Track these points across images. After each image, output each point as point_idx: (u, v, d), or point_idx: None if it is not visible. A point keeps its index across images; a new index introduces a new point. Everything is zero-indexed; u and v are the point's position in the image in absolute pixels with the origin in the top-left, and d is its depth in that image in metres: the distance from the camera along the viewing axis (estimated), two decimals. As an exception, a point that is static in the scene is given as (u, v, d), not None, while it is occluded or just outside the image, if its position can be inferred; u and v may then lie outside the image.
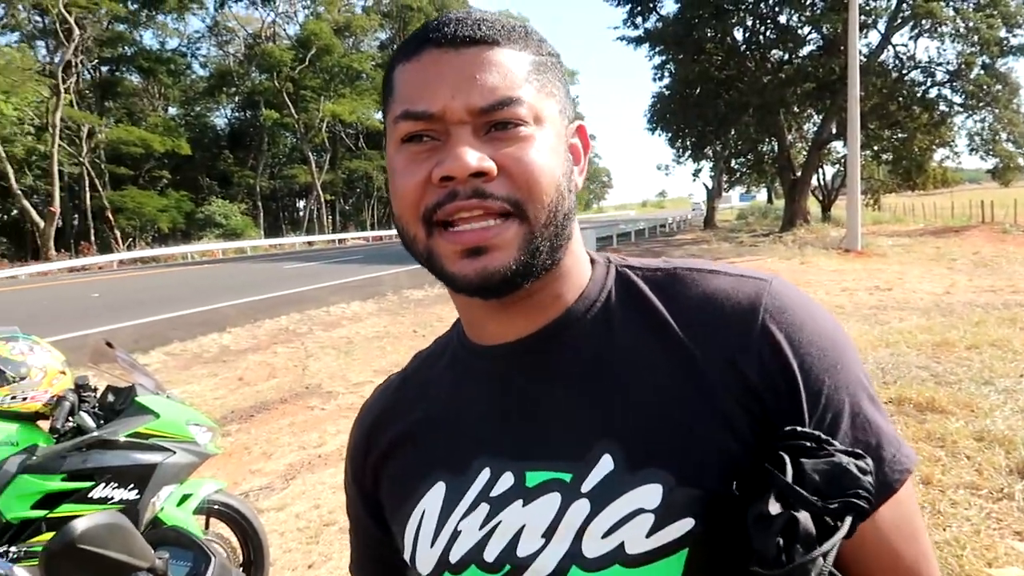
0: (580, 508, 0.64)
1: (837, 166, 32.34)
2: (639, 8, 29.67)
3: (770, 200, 56.97)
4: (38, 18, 38.75)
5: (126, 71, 47.13)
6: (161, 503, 2.51)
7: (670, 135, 32.94)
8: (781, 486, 0.57)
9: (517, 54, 0.65)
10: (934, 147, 27.64)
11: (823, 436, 0.60)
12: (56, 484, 2.28)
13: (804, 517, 0.56)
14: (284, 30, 52.95)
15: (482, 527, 0.68)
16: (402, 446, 0.78)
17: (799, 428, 0.61)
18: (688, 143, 33.17)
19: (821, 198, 33.35)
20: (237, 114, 54.66)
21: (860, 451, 0.60)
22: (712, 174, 40.53)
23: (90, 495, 2.32)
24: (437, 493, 0.72)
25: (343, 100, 48.75)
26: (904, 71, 25.79)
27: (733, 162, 37.47)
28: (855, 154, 18.39)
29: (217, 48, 52.83)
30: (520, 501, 0.67)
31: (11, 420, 2.35)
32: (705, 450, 0.62)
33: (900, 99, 25.59)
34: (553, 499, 0.65)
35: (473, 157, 0.61)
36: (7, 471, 2.23)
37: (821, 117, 28.38)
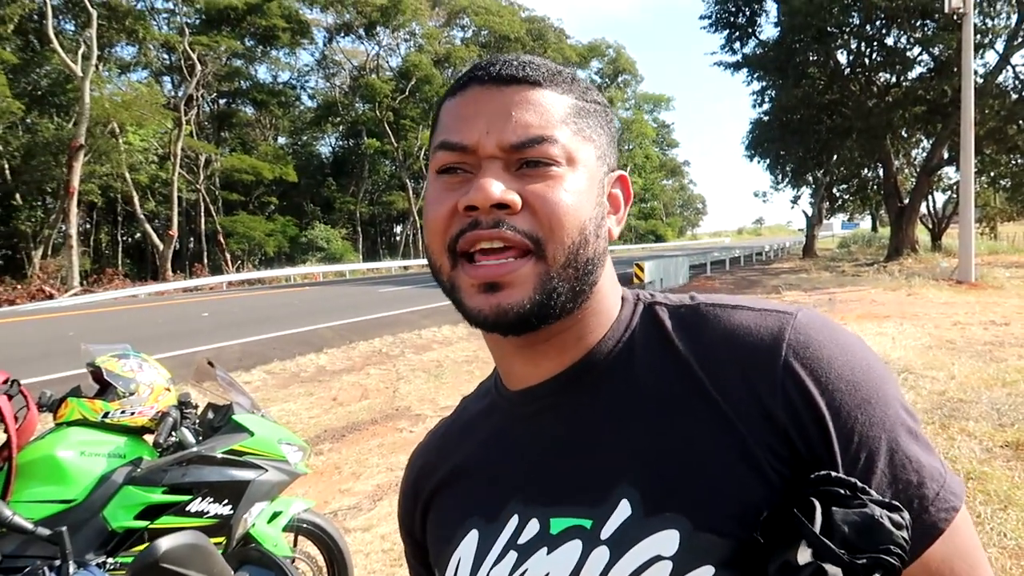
0: (600, 556, 0.63)
1: (949, 192, 30.73)
2: (737, 33, 29.29)
3: (874, 228, 54.57)
4: (165, 56, 41.69)
5: (241, 103, 49.91)
6: (252, 519, 2.61)
7: (769, 161, 32.18)
8: (809, 536, 0.55)
9: (558, 96, 0.67)
10: (1058, 173, 25.88)
11: (858, 484, 0.57)
12: (158, 496, 2.41)
13: (833, 571, 0.53)
14: (387, 62, 54.95)
15: (511, 575, 0.68)
16: (442, 493, 0.80)
17: (832, 474, 0.58)
18: (788, 169, 32.33)
19: (930, 226, 31.73)
20: (341, 143, 56.91)
21: (896, 503, 0.57)
22: (812, 201, 39.23)
23: (188, 508, 2.45)
24: (471, 540, 0.73)
25: (441, 128, 49.89)
26: (1025, 93, 24.33)
27: (835, 189, 36.19)
28: (969, 180, 17.42)
29: (324, 80, 55.32)
30: (545, 549, 0.67)
31: (120, 433, 2.51)
32: (725, 494, 0.60)
33: (1020, 122, 24.13)
34: (575, 547, 0.65)
35: (497, 188, 0.62)
36: (114, 481, 2.38)
37: (931, 142, 27.10)
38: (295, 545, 2.93)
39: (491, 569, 0.69)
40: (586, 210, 0.66)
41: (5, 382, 2.42)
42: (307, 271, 34.94)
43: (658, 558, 0.60)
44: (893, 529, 0.55)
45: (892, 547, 0.55)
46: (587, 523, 0.65)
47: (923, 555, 0.59)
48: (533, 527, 0.68)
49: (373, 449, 5.65)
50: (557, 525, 0.67)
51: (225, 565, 1.01)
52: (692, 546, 0.59)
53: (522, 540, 0.69)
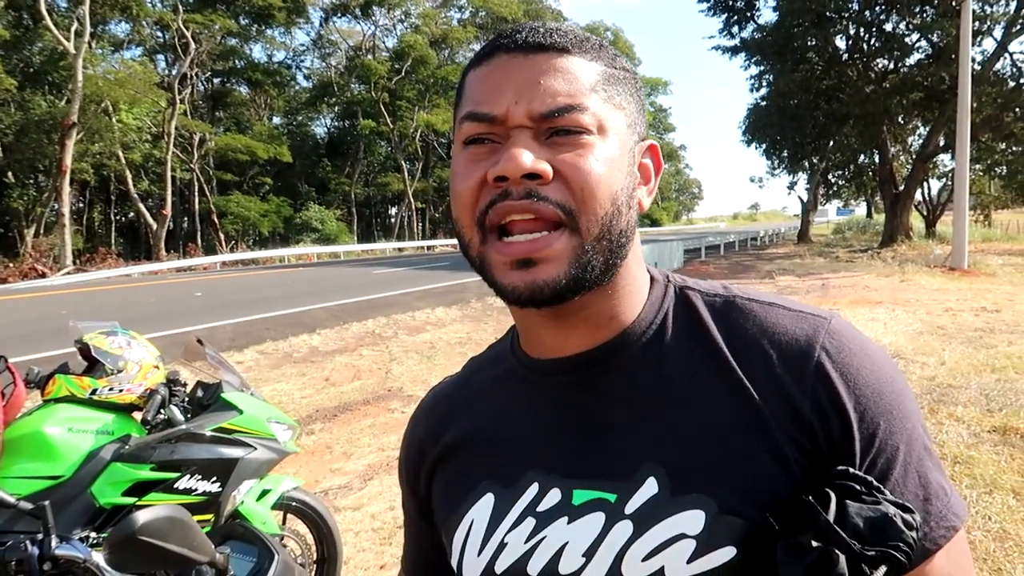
0: (622, 529, 0.64)
1: (944, 180, 30.75)
2: (736, 17, 29.13)
3: (869, 214, 54.63)
4: (159, 34, 41.32)
5: (235, 82, 49.58)
6: (241, 497, 2.62)
7: (765, 146, 32.12)
8: (821, 524, 0.56)
9: (587, 63, 0.65)
10: (1054, 161, 25.90)
11: (875, 483, 0.60)
12: (145, 473, 2.41)
13: (841, 560, 0.56)
14: (383, 42, 54.57)
15: (527, 540, 0.68)
16: (454, 455, 0.79)
17: (851, 470, 0.60)
18: (784, 155, 32.28)
19: (925, 213, 31.79)
20: (336, 123, 56.66)
21: (909, 504, 0.59)
22: (808, 187, 39.23)
23: (176, 485, 2.45)
24: (486, 503, 0.73)
25: (437, 110, 49.78)
26: (1023, 80, 24.27)
27: (831, 175, 36.18)
28: (964, 167, 17.43)
29: (320, 60, 54.99)
30: (565, 518, 0.67)
31: (108, 410, 2.50)
32: (751, 480, 0.62)
33: (1017, 110, 24.10)
34: (597, 518, 0.65)
35: (528, 158, 0.61)
36: (102, 458, 2.38)
37: (928, 129, 27.09)
38: (284, 523, 2.94)
39: (507, 533, 0.70)
40: (618, 179, 0.65)
41: (-8, 358, 2.41)
42: (301, 252, 34.87)
43: (682, 536, 0.62)
44: (904, 528, 0.57)
45: (901, 544, 0.56)
46: (611, 497, 0.66)
47: (920, 568, 0.61)
48: (554, 496, 0.68)
49: (365, 429, 5.67)
50: (580, 496, 0.67)
51: (205, 539, 1.00)
52: (717, 527, 0.61)
53: (541, 508, 0.69)
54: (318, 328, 10.63)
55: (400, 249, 41.93)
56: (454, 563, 0.75)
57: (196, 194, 41.01)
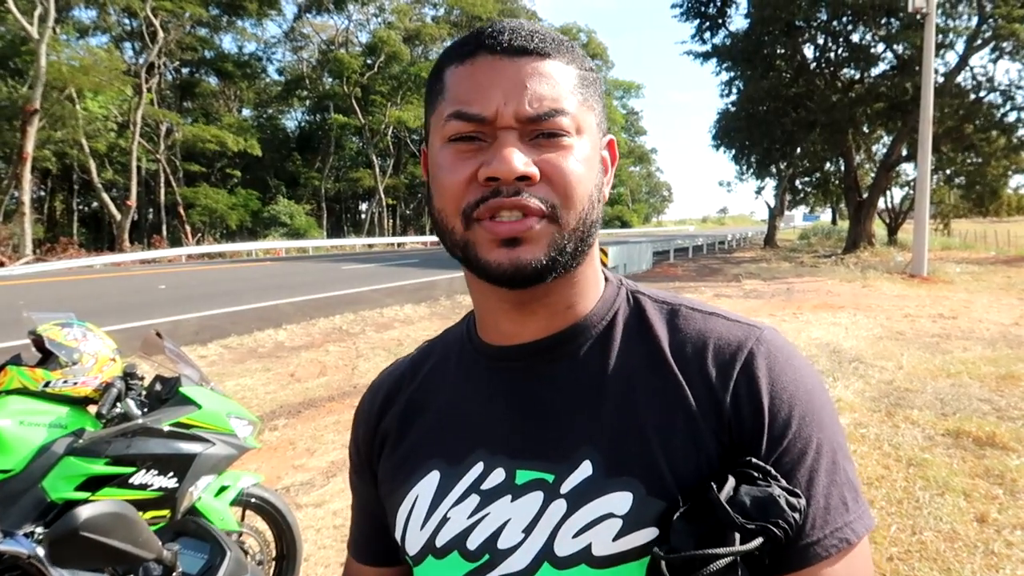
0: (558, 508, 0.69)
1: (906, 189, 31.38)
2: (707, 24, 29.40)
3: (834, 221, 55.55)
4: (126, 20, 40.45)
5: (205, 73, 48.76)
6: (199, 493, 2.58)
7: (734, 152, 32.47)
8: (712, 500, 0.62)
9: (565, 67, 0.69)
10: (1010, 173, 26.57)
11: (771, 470, 0.65)
12: (100, 468, 2.36)
13: (735, 536, 0.62)
14: (357, 37, 54.14)
15: (470, 516, 0.72)
16: (403, 431, 0.82)
17: (753, 459, 0.66)
18: (752, 160, 32.64)
19: (888, 221, 32.41)
20: (307, 117, 56.04)
21: (797, 491, 0.64)
22: (775, 192, 39.75)
23: (131, 480, 2.40)
24: (432, 480, 0.76)
25: (409, 107, 49.47)
26: (982, 93, 24.85)
27: (797, 181, 36.74)
28: (925, 177, 17.81)
29: (292, 53, 54.31)
30: (509, 496, 0.71)
31: (61, 403, 2.45)
32: (675, 468, 0.67)
33: (977, 122, 24.67)
34: (536, 497, 0.70)
35: (520, 161, 0.65)
36: (54, 452, 2.33)
37: (891, 138, 27.61)
38: (243, 519, 2.90)
39: (450, 509, 0.73)
40: (592, 177, 0.70)
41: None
42: (269, 246, 34.48)
43: (610, 515, 0.66)
44: (786, 508, 0.62)
45: (781, 522, 0.62)
46: (550, 477, 0.70)
47: (804, 572, 0.65)
48: (499, 475, 0.73)
49: (329, 426, 5.62)
50: (522, 476, 0.71)
51: (152, 536, 0.99)
52: (642, 508, 0.66)
53: (486, 486, 0.73)
54: (284, 323, 10.52)
55: (370, 245, 41.66)
56: (398, 536, 0.78)
57: (162, 185, 40.29)
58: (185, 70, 47.61)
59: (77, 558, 0.91)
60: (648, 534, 0.66)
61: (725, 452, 0.67)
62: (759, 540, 0.61)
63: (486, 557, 0.71)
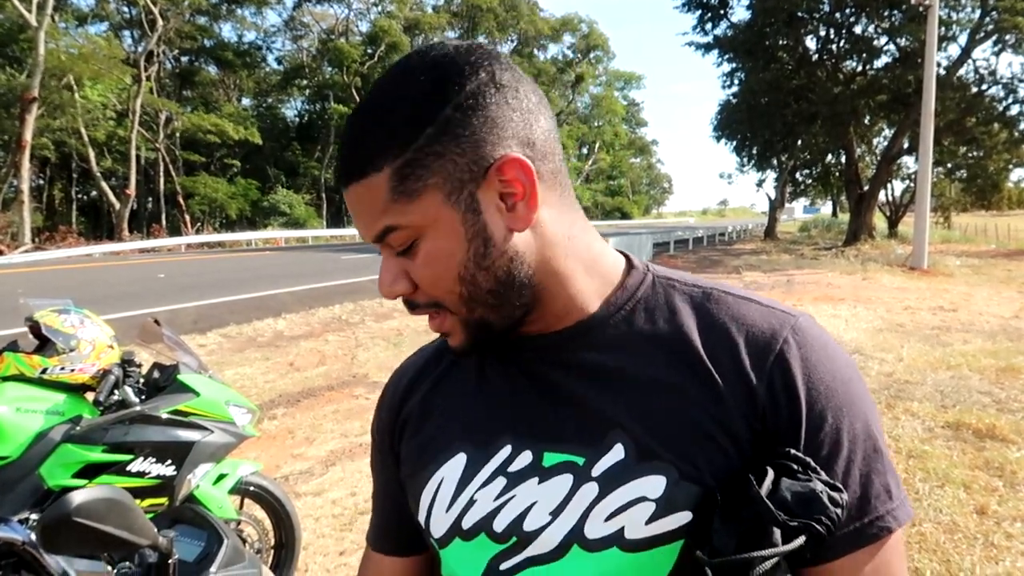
0: (589, 490, 0.68)
1: (907, 182, 31.36)
2: (709, 15, 29.25)
3: (835, 213, 55.53)
4: (125, 9, 40.34)
5: (204, 62, 48.60)
6: (197, 481, 2.57)
7: (735, 143, 32.42)
8: (755, 496, 0.61)
9: (379, 175, 0.65)
10: (1011, 166, 26.53)
11: (811, 463, 0.64)
12: (97, 455, 2.36)
13: (774, 532, 0.61)
14: (357, 27, 53.94)
15: (497, 499, 0.72)
16: (427, 414, 0.81)
17: (792, 451, 0.65)
18: (753, 152, 32.60)
19: (888, 214, 32.39)
20: (307, 107, 55.89)
21: (839, 485, 0.63)
22: (776, 184, 39.70)
23: (129, 468, 2.40)
24: (458, 462, 0.75)
25: (409, 97, 49.20)
26: (984, 87, 24.77)
27: (798, 173, 36.68)
28: (926, 169, 17.77)
29: (291, 42, 54.16)
30: (536, 479, 0.71)
31: (59, 390, 2.44)
32: (708, 453, 0.66)
33: (979, 115, 24.59)
34: (565, 480, 0.69)
35: (390, 291, 0.70)
36: (51, 439, 2.32)
37: (893, 131, 27.52)
38: (241, 508, 2.89)
39: (477, 491, 0.73)
40: (457, 259, 0.67)
41: (-63, 334, 2.33)
42: (269, 236, 34.45)
43: (643, 499, 0.66)
44: (829, 504, 0.61)
45: (823, 518, 0.61)
46: (580, 460, 0.69)
47: (843, 560, 0.65)
48: (526, 458, 0.72)
49: (328, 415, 5.61)
50: (550, 459, 0.71)
51: (147, 522, 0.97)
52: (675, 492, 0.66)
53: (513, 468, 0.72)
54: (284, 313, 10.51)
55: (369, 236, 41.52)
56: (421, 519, 0.77)
57: (162, 174, 40.21)
58: (184, 59, 47.47)
59: (70, 544, 0.89)
60: (681, 518, 0.65)
61: (757, 440, 0.67)
62: (802, 539, 0.61)
63: (513, 539, 0.70)
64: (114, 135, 36.64)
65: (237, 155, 46.42)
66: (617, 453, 0.68)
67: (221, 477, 2.75)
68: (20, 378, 2.42)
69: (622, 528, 0.66)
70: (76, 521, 0.87)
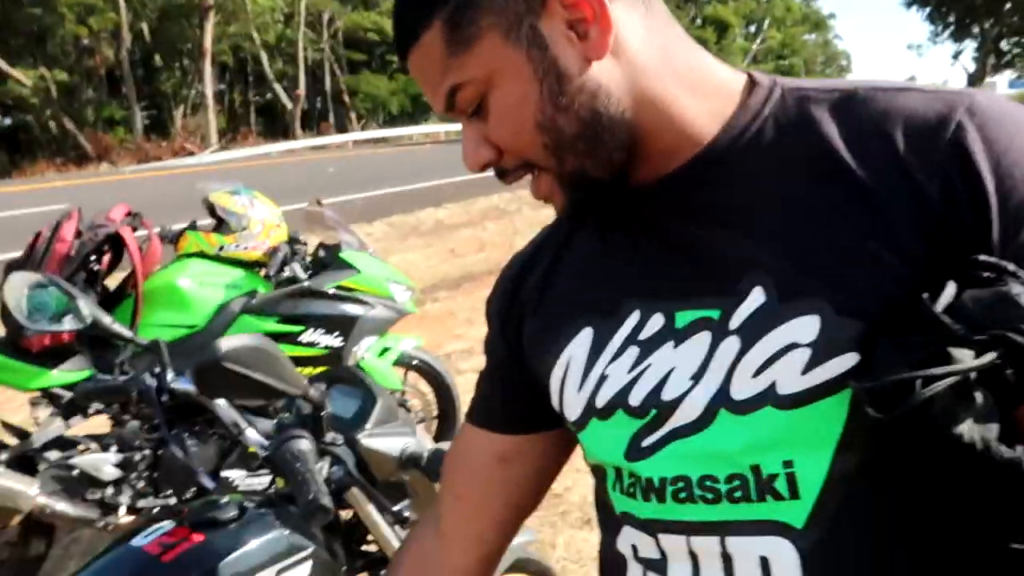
0: (729, 346, 0.58)
1: None
2: None
3: (1049, 84, 48.65)
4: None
5: (361, -43, 49.06)
6: (362, 352, 2.70)
7: (930, 10, 28.89)
8: (927, 313, 0.49)
9: (431, 32, 0.60)
10: None
11: (1008, 266, 0.50)
12: (271, 326, 2.51)
13: (958, 354, 0.48)
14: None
15: (630, 371, 0.63)
16: (548, 293, 0.73)
17: (981, 257, 0.51)
18: (951, 20, 28.95)
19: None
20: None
21: None
22: (976, 56, 35.17)
23: (300, 338, 2.54)
24: (584, 338, 0.67)
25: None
26: None
27: (1004, 42, 32.29)
28: None
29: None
30: (671, 343, 0.61)
31: (235, 266, 2.60)
32: (870, 277, 0.54)
33: None
34: (703, 339, 0.60)
35: (474, 161, 0.64)
36: (232, 311, 2.49)
37: None
38: (405, 380, 3.02)
39: (608, 365, 0.65)
40: (531, 104, 0.60)
41: (128, 215, 2.52)
42: (429, 130, 35.16)
43: (794, 345, 0.55)
44: None
45: (1022, 325, 0.47)
46: (715, 313, 0.60)
47: None
48: (657, 322, 0.63)
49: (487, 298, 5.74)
50: (683, 318, 0.61)
51: (296, 373, 0.98)
52: (833, 331, 0.54)
53: (644, 335, 0.63)
54: (444, 202, 10.77)
55: (526, 127, 41.48)
56: (555, 404, 0.70)
57: (327, 74, 41.76)
58: (343, -44, 48.09)
59: (220, 388, 0.92)
60: (846, 361, 0.53)
61: (933, 251, 0.53)
62: (992, 355, 0.47)
63: (652, 412, 0.62)
64: (283, 37, 38.20)
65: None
66: (756, 298, 0.57)
67: (385, 350, 2.86)
68: (201, 255, 2.60)
69: (772, 383, 0.56)
70: (225, 366, 0.88)
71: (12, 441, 2.30)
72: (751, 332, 0.57)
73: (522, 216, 9.60)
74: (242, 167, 19.27)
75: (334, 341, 2.60)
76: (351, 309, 2.66)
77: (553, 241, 0.76)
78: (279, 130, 38.22)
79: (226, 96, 41.04)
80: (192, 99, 30.21)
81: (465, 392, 3.77)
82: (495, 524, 0.81)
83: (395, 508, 1.22)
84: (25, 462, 2.22)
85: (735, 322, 0.58)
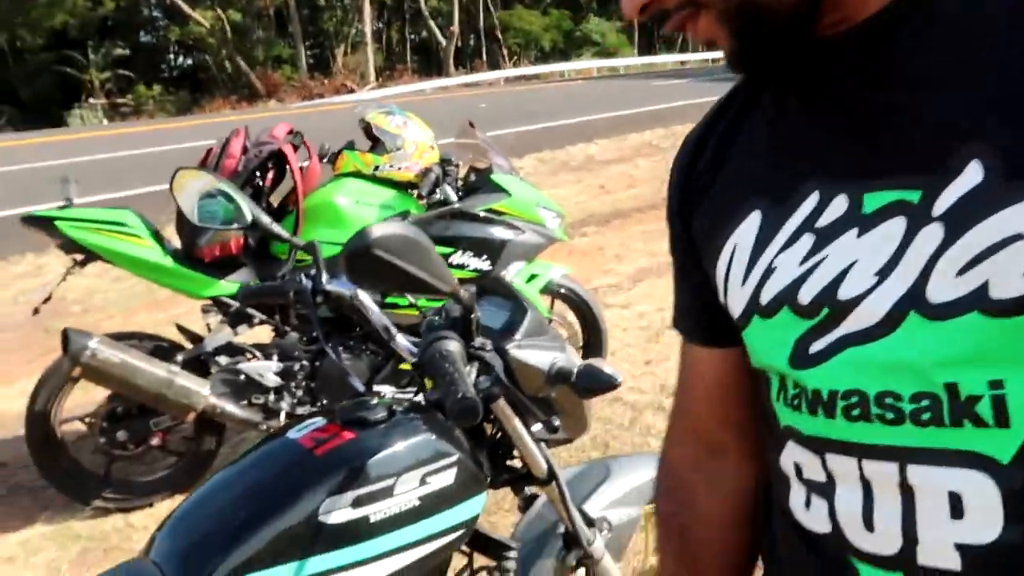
0: (929, 236, 0.47)
1: None
2: None
3: None
4: None
5: None
6: (511, 277, 2.67)
7: None
8: None
9: None
10: None
11: None
12: (423, 246, 2.52)
13: None
14: None
15: (803, 262, 0.53)
16: (719, 172, 0.63)
17: None
18: None
19: None
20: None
21: None
22: None
23: (450, 260, 2.55)
24: (752, 223, 0.58)
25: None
26: None
27: None
28: None
29: None
30: (855, 230, 0.51)
31: (388, 186, 2.63)
32: None
33: None
34: (896, 226, 0.48)
35: (632, 3, 0.55)
36: (385, 229, 2.52)
37: None
38: (552, 308, 2.98)
39: (777, 255, 0.55)
40: None
41: (290, 132, 2.59)
42: (581, 66, 34.52)
43: (1017, 237, 0.43)
44: None
45: None
46: (915, 195, 0.48)
47: None
48: (839, 205, 0.52)
49: (636, 235, 5.60)
50: (872, 201, 0.50)
51: (447, 270, 0.94)
52: None
53: (822, 222, 0.53)
54: (595, 138, 10.56)
55: (683, 62, 39.76)
56: (722, 300, 0.62)
57: (481, 10, 41.76)
58: None
59: (370, 275, 0.89)
60: None
61: None
62: None
63: (824, 312, 0.52)
64: (438, -28, 38.49)
65: (550, -16, 46.36)
66: (972, 176, 0.45)
67: (533, 277, 2.83)
68: (357, 174, 2.64)
69: (984, 283, 0.44)
70: (374, 253, 0.85)
71: (187, 345, 2.48)
72: (960, 219, 0.45)
73: (675, 152, 9.25)
74: (398, 103, 19.82)
75: (483, 264, 2.59)
76: (501, 233, 2.63)
77: (724, 115, 0.65)
78: (433, 67, 38.85)
79: (383, 34, 42.13)
80: (352, 37, 31.20)
81: (612, 327, 3.70)
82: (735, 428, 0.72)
83: (540, 424, 1.18)
84: (198, 364, 2.39)
85: (940, 206, 0.46)
